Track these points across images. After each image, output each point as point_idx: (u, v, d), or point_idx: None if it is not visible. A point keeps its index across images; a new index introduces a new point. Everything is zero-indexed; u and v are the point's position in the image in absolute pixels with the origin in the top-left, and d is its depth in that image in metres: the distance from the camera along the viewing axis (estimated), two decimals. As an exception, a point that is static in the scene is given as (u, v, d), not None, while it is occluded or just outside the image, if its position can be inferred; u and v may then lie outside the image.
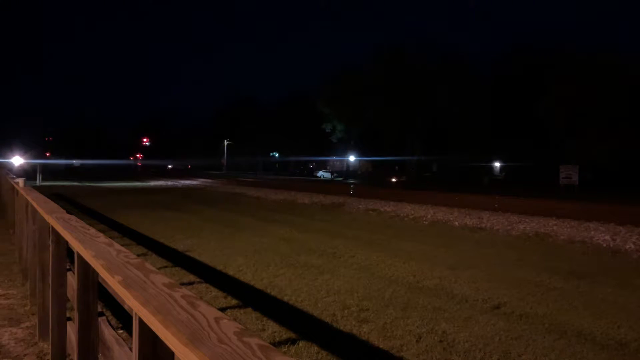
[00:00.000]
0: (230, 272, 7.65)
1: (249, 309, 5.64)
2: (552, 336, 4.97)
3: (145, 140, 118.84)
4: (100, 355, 2.55)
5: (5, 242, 9.51)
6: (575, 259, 9.52)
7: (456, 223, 14.52)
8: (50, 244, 3.50)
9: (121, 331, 4.50)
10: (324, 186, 33.03)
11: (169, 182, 41.28)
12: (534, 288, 6.94)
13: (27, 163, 45.89)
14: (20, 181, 7.52)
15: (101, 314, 2.70)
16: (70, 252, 3.07)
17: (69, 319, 3.35)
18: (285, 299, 6.20)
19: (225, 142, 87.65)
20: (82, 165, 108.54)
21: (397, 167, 65.08)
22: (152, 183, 40.49)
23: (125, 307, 1.74)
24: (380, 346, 4.66)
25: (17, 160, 44.17)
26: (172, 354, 1.15)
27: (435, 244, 10.85)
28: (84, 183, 39.20)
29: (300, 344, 4.58)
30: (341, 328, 5.15)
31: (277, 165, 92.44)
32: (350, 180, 54.77)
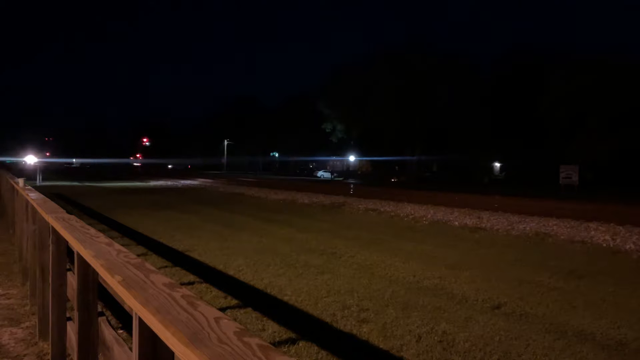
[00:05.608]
0: (231, 272, 7.65)
1: (249, 309, 5.64)
2: (552, 336, 4.97)
3: (145, 140, 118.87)
4: (100, 355, 2.55)
5: (5, 242, 9.51)
6: (575, 259, 9.52)
7: (456, 223, 14.52)
8: (50, 244, 3.50)
9: (121, 331, 4.50)
10: (324, 186, 33.02)
11: (169, 182, 41.27)
12: (534, 288, 6.94)
13: (40, 162, 45.18)
14: (20, 181, 7.52)
15: (101, 313, 2.70)
16: (70, 252, 3.07)
17: (69, 319, 3.35)
18: (285, 299, 6.20)
19: (225, 142, 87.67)
20: (82, 165, 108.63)
21: (397, 167, 65.11)
22: (152, 183, 40.49)
23: (125, 307, 1.74)
24: (380, 346, 4.67)
25: (31, 159, 43.35)
26: (172, 354, 1.15)
27: (435, 244, 10.84)
28: (84, 183, 39.20)
29: (300, 344, 4.58)
30: (341, 328, 5.15)
31: (277, 165, 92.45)
32: (350, 180, 54.78)
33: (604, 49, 46.31)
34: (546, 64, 47.26)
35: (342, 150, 70.85)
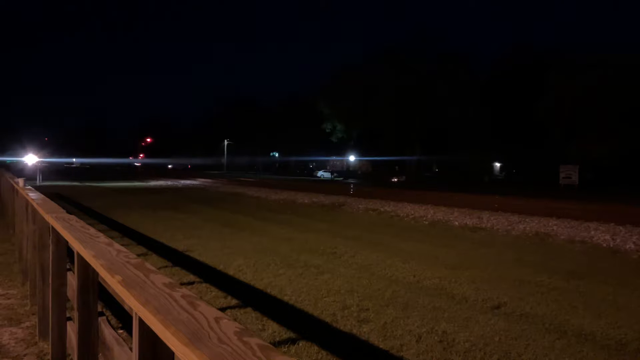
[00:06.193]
0: (230, 272, 7.65)
1: (249, 309, 5.64)
2: (552, 336, 4.97)
3: (145, 139, 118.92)
4: (100, 355, 2.55)
5: (5, 242, 9.51)
6: (575, 258, 9.52)
7: (456, 223, 14.52)
8: (50, 244, 3.50)
9: (121, 331, 4.50)
10: (324, 186, 33.03)
11: (169, 182, 41.26)
12: (534, 288, 6.94)
13: (42, 162, 44.21)
14: (20, 181, 7.52)
15: (101, 313, 2.70)
16: (70, 252, 3.07)
17: (69, 319, 3.35)
18: (285, 298, 6.20)
19: (226, 142, 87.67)
20: (82, 164, 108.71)
21: (397, 167, 65.14)
22: (152, 183, 40.49)
23: (125, 307, 1.74)
24: (380, 346, 4.67)
25: (31, 159, 42.68)
26: (172, 353, 1.15)
27: (435, 244, 10.85)
28: (84, 183, 39.20)
29: (300, 344, 4.58)
30: (341, 328, 5.15)
31: (277, 165, 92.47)
32: (350, 180, 54.77)
33: (604, 49, 46.24)
34: (546, 63, 47.28)
35: (342, 150, 70.89)
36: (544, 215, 15.11)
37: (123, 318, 4.80)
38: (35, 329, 4.42)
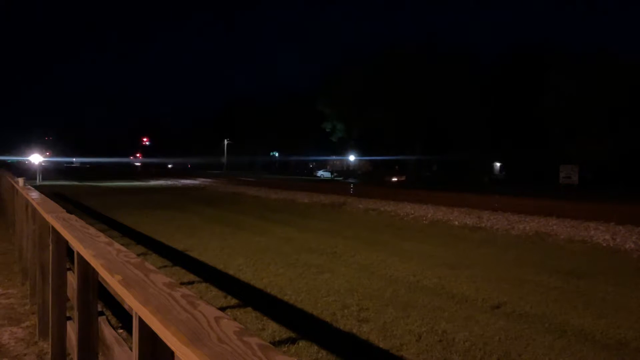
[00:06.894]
0: (230, 272, 7.65)
1: (249, 309, 5.64)
2: (552, 336, 4.97)
3: (145, 139, 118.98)
4: (100, 354, 2.54)
5: (5, 241, 9.51)
6: (575, 258, 9.52)
7: (456, 222, 14.52)
8: (50, 243, 3.50)
9: (121, 331, 4.50)
10: (324, 186, 33.00)
11: (169, 182, 41.26)
12: (534, 288, 6.94)
13: (42, 161, 43.54)
14: (20, 180, 7.52)
15: (101, 313, 2.70)
16: (70, 252, 3.07)
17: (69, 318, 3.35)
18: (285, 298, 6.20)
19: (225, 142, 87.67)
20: (82, 164, 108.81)
21: (397, 167, 65.12)
22: (152, 182, 40.49)
23: (125, 306, 1.74)
24: (380, 345, 4.67)
25: (36, 158, 42.45)
26: (172, 353, 1.15)
27: (435, 244, 10.85)
28: (84, 182, 39.20)
29: (300, 344, 4.58)
30: (341, 327, 5.15)
31: (277, 165, 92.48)
32: (350, 180, 54.77)
33: (603, 49, 46.20)
34: (546, 63, 47.26)
35: (342, 150, 70.83)
36: (544, 214, 15.10)
37: (123, 318, 4.80)
38: (35, 329, 4.42)
